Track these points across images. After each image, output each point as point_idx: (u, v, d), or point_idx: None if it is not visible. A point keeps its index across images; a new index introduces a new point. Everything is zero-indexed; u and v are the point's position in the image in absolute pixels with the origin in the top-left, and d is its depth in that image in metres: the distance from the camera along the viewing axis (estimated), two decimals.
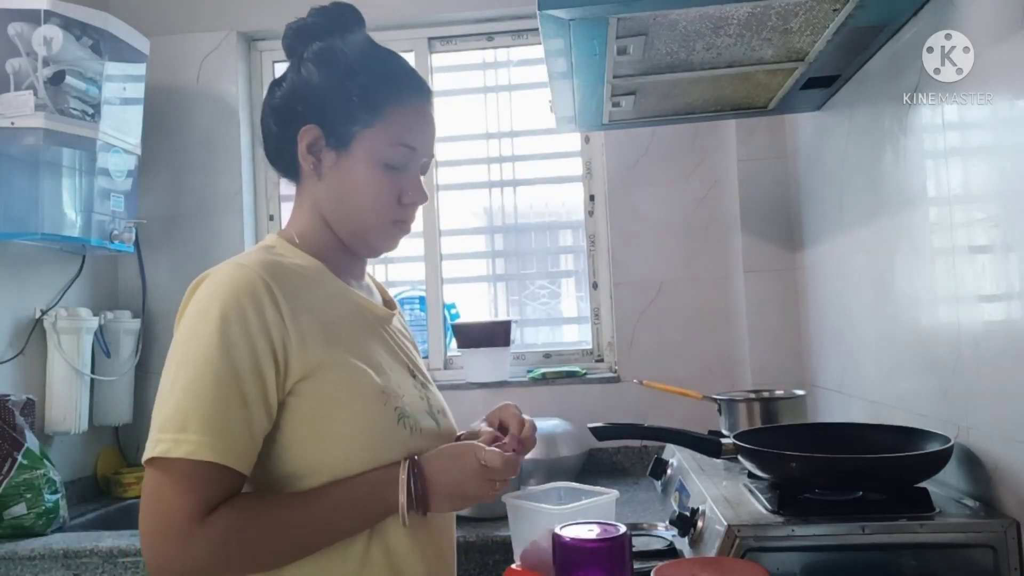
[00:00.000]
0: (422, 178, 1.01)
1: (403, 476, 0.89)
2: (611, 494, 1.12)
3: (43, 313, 2.00)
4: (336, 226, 0.99)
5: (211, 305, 0.86)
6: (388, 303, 1.10)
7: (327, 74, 0.98)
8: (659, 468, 1.65)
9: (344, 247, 1.01)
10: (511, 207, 2.42)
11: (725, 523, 1.09)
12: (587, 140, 2.35)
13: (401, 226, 1.01)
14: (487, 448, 0.92)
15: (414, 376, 1.03)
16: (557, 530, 0.88)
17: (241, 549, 0.83)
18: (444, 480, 0.91)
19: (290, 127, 0.98)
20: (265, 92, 1.05)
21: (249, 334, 0.85)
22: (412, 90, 1.00)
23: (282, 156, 1.01)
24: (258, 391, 0.85)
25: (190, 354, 0.85)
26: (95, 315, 2.09)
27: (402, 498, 0.88)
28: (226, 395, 0.83)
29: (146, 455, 0.82)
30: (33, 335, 1.98)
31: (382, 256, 2.39)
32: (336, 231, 0.99)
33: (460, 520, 1.08)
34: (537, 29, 1.18)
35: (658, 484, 1.68)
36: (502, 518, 0.95)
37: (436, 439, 0.98)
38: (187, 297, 0.90)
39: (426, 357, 2.35)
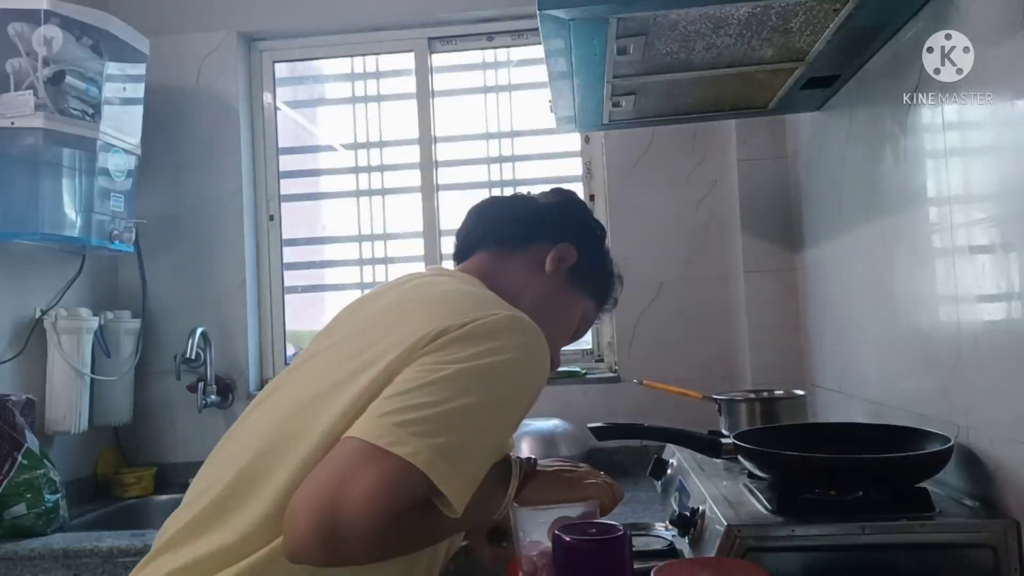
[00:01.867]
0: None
1: (516, 468, 0.98)
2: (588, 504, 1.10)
3: (43, 313, 2.00)
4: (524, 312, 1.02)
5: (535, 362, 0.89)
6: None
7: (597, 238, 1.18)
8: (659, 468, 1.65)
9: None
10: None
11: (725, 523, 1.08)
12: (587, 140, 2.35)
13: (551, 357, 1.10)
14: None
15: None
16: (557, 530, 0.88)
17: (398, 549, 0.83)
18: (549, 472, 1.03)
19: (546, 229, 1.13)
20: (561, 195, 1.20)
21: (533, 400, 0.91)
22: (609, 300, 1.22)
23: (530, 237, 1.13)
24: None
25: (503, 397, 0.86)
26: (95, 315, 2.09)
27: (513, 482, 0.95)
28: (493, 454, 0.89)
29: (401, 452, 0.76)
30: (33, 335, 1.98)
31: (382, 256, 2.41)
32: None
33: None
34: (537, 29, 1.18)
35: (658, 484, 1.68)
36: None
37: None
38: (492, 321, 0.87)
39: None
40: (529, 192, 1.22)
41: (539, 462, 1.05)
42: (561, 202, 1.18)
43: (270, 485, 0.83)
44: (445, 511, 0.80)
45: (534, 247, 1.12)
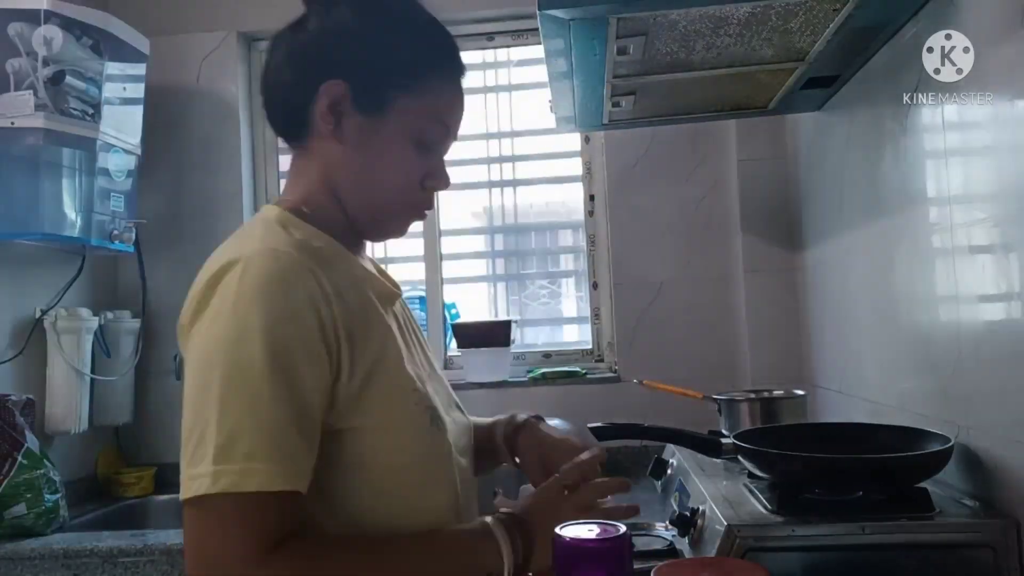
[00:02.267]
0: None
1: (501, 531, 0.80)
2: None
3: (43, 313, 2.00)
4: (349, 200, 0.87)
5: (253, 302, 0.73)
6: (392, 283, 0.97)
7: (366, 23, 0.85)
8: (659, 468, 1.65)
9: (350, 224, 0.89)
10: (511, 207, 2.42)
11: (725, 523, 1.08)
12: (587, 140, 2.35)
13: (418, 212, 0.91)
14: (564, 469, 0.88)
15: (422, 366, 0.94)
16: (557, 530, 0.88)
17: None
18: (543, 521, 0.83)
19: (309, 78, 0.84)
20: (279, 33, 0.91)
21: (304, 336, 0.74)
22: (456, 64, 0.89)
23: (289, 111, 0.87)
24: (317, 401, 0.75)
25: (234, 364, 0.72)
26: (95, 315, 2.09)
27: (505, 550, 0.79)
28: (287, 412, 0.72)
29: (199, 490, 0.70)
30: (33, 335, 1.98)
31: (381, 256, 2.41)
32: (347, 206, 0.87)
33: None
34: (537, 29, 1.18)
35: (658, 484, 1.68)
36: None
37: (458, 435, 0.92)
38: (205, 288, 0.77)
39: None
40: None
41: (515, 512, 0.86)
42: (302, 27, 0.88)
43: None
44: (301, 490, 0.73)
45: (311, 117, 0.85)
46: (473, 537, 0.81)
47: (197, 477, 0.71)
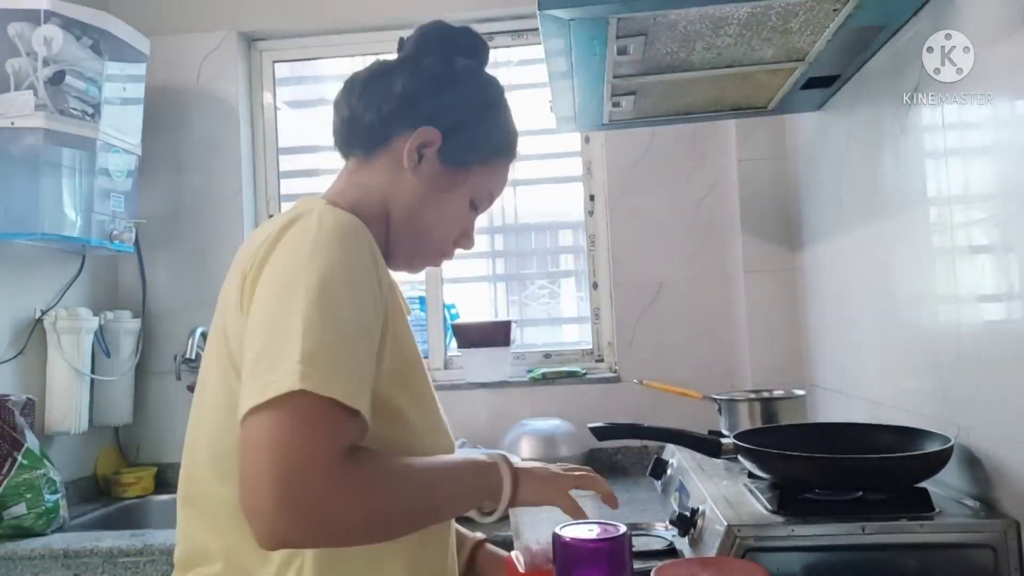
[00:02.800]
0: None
1: (497, 458, 0.90)
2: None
3: (43, 313, 2.00)
4: (397, 226, 0.95)
5: (333, 242, 0.78)
6: (404, 300, 1.06)
7: (471, 95, 0.97)
8: (659, 468, 1.65)
9: (386, 244, 0.96)
10: (511, 207, 2.42)
11: (725, 523, 1.09)
12: (587, 140, 2.35)
13: (439, 261, 1.02)
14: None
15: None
16: (557, 530, 0.88)
17: (382, 497, 0.75)
18: (528, 467, 0.92)
19: (406, 115, 0.94)
20: (391, 63, 0.98)
21: (372, 286, 0.80)
22: (515, 154, 1.04)
23: (373, 136, 0.95)
24: (378, 342, 0.80)
25: (321, 288, 0.74)
26: (95, 315, 2.09)
27: (506, 478, 0.88)
28: (364, 344, 0.77)
29: (283, 388, 0.70)
30: (33, 335, 1.98)
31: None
32: (393, 229, 0.95)
33: (460, 521, 1.08)
34: (537, 29, 1.18)
35: (658, 484, 1.68)
36: (503, 518, 0.94)
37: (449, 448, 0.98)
38: (278, 233, 0.80)
39: (426, 357, 2.35)
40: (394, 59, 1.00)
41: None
42: (416, 66, 0.96)
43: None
44: (364, 420, 0.75)
45: (393, 143, 0.95)
46: (478, 459, 0.90)
47: (281, 378, 0.71)
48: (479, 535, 1.12)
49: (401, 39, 1.01)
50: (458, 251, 1.03)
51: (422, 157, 0.94)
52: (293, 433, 0.70)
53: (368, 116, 0.96)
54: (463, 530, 1.12)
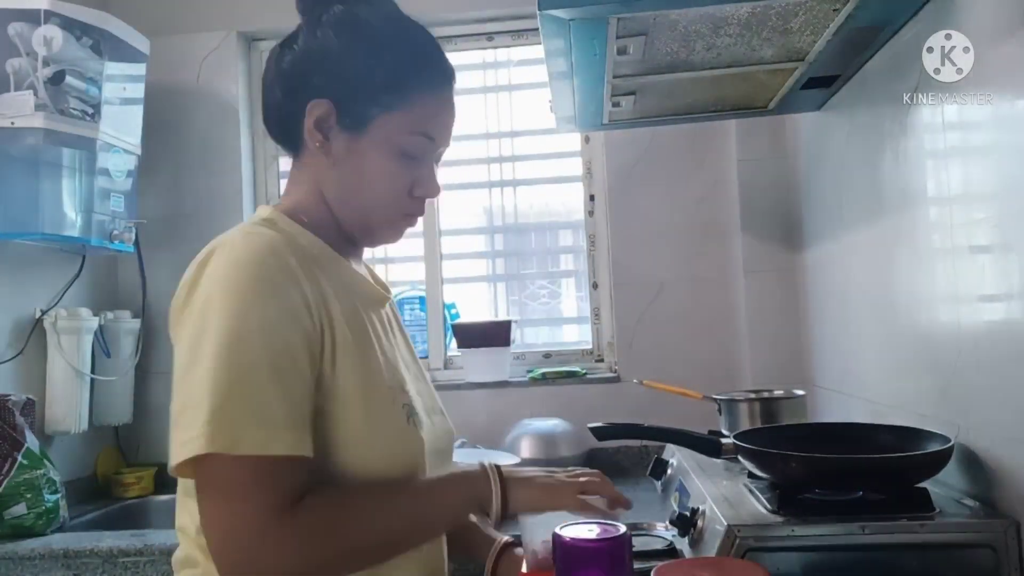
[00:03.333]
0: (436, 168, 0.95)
1: (486, 466, 0.87)
2: None
3: (43, 313, 2.00)
4: (339, 211, 0.91)
5: (241, 277, 0.77)
6: (382, 287, 1.01)
7: (348, 44, 0.88)
8: (659, 468, 1.65)
9: (342, 231, 0.93)
10: (511, 207, 2.42)
11: (725, 523, 1.08)
12: (587, 140, 2.35)
13: (410, 220, 0.95)
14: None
15: (408, 368, 0.97)
16: (557, 530, 0.88)
17: (332, 541, 0.75)
18: (525, 475, 0.89)
19: (297, 97, 0.88)
20: (272, 51, 0.94)
21: (291, 308, 0.77)
22: (440, 74, 0.91)
23: (284, 127, 0.92)
24: (311, 370, 0.78)
25: (232, 335, 0.74)
26: (95, 315, 2.09)
27: (494, 485, 0.84)
28: (290, 380, 0.75)
29: (191, 448, 0.71)
30: (33, 335, 1.98)
31: (383, 256, 2.41)
32: (338, 215, 0.92)
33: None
34: (537, 29, 1.18)
35: (658, 484, 1.68)
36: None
37: (437, 437, 0.94)
38: (194, 273, 0.81)
39: (425, 357, 2.35)
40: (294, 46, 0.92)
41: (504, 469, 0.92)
42: (292, 42, 0.90)
43: None
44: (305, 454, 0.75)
45: (301, 129, 0.89)
46: (465, 471, 0.87)
47: (192, 440, 0.72)
48: (507, 537, 1.07)
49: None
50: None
51: (326, 133, 0.88)
52: (212, 504, 0.73)
53: (271, 114, 0.93)
54: (493, 531, 1.08)
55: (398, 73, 0.88)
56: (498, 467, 0.88)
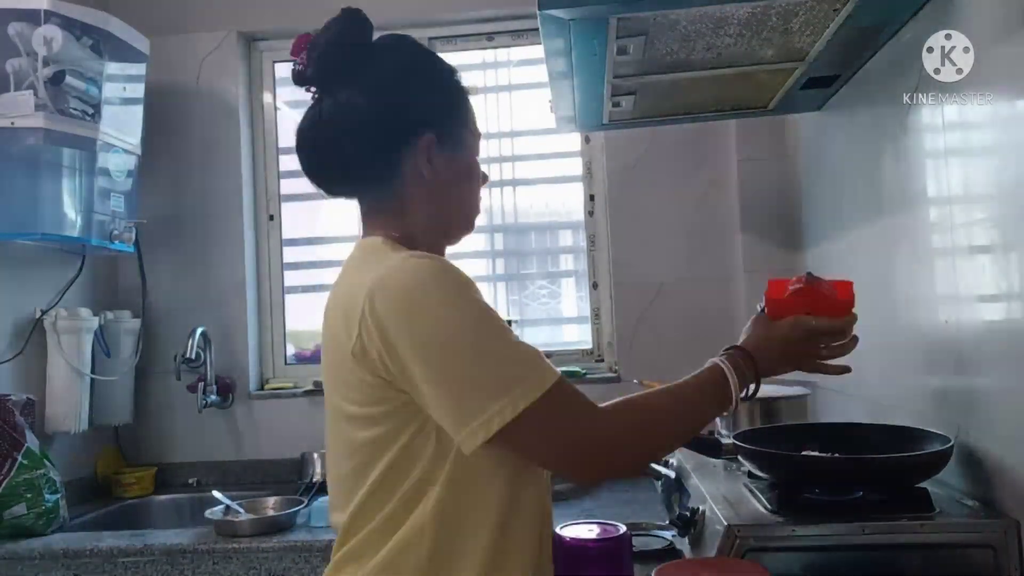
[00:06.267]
0: None
1: (729, 352, 1.05)
2: None
3: (43, 313, 2.00)
4: (438, 221, 1.00)
5: (446, 280, 0.86)
6: None
7: (416, 80, 0.98)
8: (659, 468, 1.65)
9: (443, 243, 1.04)
10: (511, 207, 2.42)
11: (725, 523, 1.08)
12: (587, 140, 2.35)
13: (480, 207, 1.07)
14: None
15: None
16: (557, 530, 0.88)
17: (644, 415, 0.92)
18: (765, 343, 1.05)
19: (397, 139, 0.95)
20: (316, 112, 0.97)
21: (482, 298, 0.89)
22: (456, 75, 1.02)
23: (368, 172, 0.96)
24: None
25: (479, 319, 0.85)
26: (95, 315, 2.09)
27: (734, 388, 1.00)
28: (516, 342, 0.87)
29: (536, 395, 0.82)
30: (33, 335, 1.98)
31: None
32: (443, 227, 1.02)
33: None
34: (537, 29, 1.18)
35: (658, 484, 1.68)
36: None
37: None
38: (367, 305, 0.84)
39: None
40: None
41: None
42: (374, 108, 0.95)
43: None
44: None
45: (397, 168, 0.96)
46: (712, 375, 1.04)
47: (516, 394, 0.82)
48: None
49: (296, 72, 0.98)
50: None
51: (432, 162, 0.97)
52: (547, 436, 0.84)
53: (340, 165, 0.96)
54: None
55: (451, 89, 1.01)
56: (742, 357, 1.05)
